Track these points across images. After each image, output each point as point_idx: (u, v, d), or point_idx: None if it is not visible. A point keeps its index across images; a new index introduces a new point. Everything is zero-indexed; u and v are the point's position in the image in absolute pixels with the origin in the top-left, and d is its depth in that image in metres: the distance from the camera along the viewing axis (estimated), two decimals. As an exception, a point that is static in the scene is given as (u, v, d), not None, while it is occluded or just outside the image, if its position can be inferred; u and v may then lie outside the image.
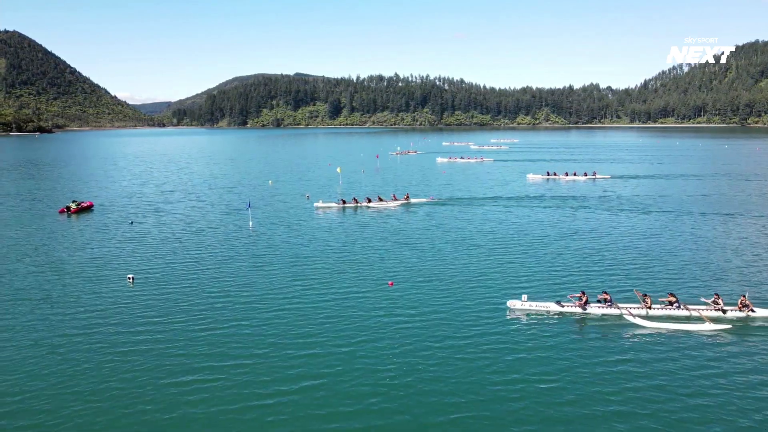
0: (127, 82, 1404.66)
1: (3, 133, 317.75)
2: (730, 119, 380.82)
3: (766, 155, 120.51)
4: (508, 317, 23.75)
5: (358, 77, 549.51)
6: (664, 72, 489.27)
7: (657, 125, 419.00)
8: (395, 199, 53.40)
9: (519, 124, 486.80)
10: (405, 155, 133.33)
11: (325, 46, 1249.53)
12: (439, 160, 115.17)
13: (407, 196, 54.84)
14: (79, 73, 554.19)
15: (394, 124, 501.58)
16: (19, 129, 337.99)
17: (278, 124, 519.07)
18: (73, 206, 50.90)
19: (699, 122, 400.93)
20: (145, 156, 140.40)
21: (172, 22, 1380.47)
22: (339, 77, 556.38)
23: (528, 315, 24.00)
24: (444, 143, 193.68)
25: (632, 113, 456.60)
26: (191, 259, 33.72)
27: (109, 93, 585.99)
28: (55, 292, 27.61)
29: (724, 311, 23.85)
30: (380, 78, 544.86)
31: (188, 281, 29.15)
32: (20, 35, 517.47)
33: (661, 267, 31.60)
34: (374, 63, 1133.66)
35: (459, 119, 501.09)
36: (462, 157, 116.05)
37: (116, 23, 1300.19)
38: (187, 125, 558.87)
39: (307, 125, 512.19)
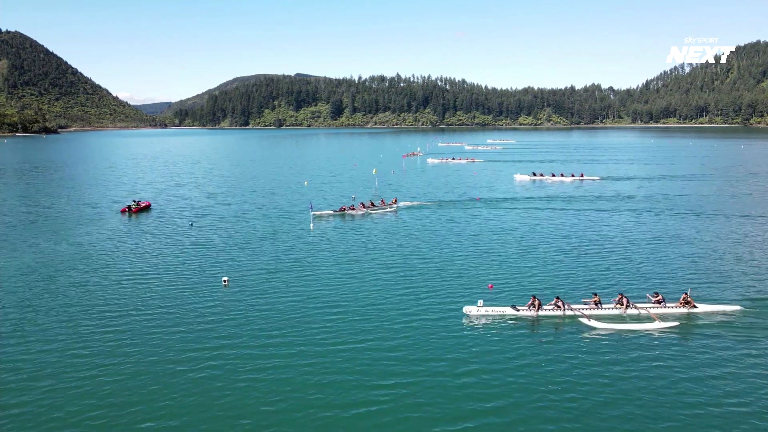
0: (127, 82, 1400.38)
1: (9, 134, 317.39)
2: (733, 119, 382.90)
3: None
4: (465, 323, 23.73)
5: (359, 77, 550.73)
6: (665, 72, 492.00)
7: (659, 125, 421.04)
8: (384, 204, 53.31)
9: (521, 124, 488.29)
10: (413, 156, 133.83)
11: (326, 46, 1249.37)
12: (430, 160, 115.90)
13: (395, 200, 54.95)
14: (80, 73, 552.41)
15: (396, 124, 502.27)
16: (25, 129, 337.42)
17: (280, 124, 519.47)
18: (133, 206, 51.93)
19: (701, 122, 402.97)
20: (165, 157, 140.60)
21: (172, 22, 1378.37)
22: (340, 77, 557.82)
23: (484, 320, 24.01)
24: (440, 144, 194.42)
25: (634, 113, 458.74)
26: (271, 262, 34.03)
27: (110, 93, 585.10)
28: (154, 294, 28.15)
29: (668, 308, 24.72)
30: (382, 78, 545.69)
31: (278, 284, 29.48)
32: (22, 36, 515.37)
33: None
34: (375, 63, 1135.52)
35: (461, 120, 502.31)
36: (453, 158, 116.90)
37: (116, 23, 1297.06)
38: (189, 125, 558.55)
39: (309, 126, 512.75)
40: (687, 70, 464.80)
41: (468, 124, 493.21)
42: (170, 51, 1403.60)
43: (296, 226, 45.20)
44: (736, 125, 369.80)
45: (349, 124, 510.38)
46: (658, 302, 25.00)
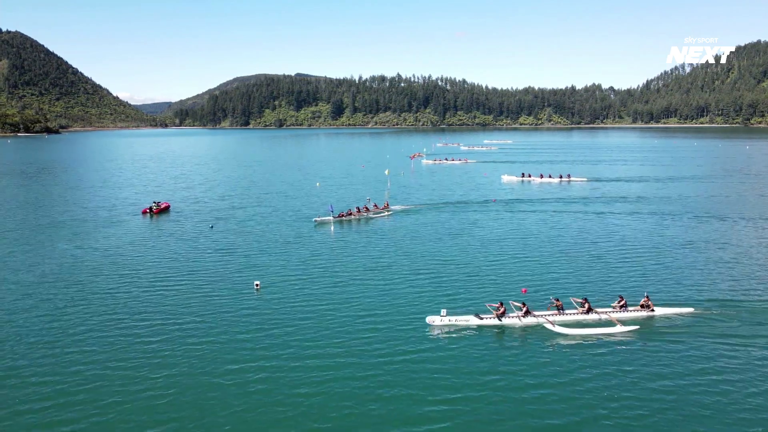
0: (127, 82, 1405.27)
1: (11, 134, 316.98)
2: (734, 119, 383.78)
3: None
4: (428, 334, 23.23)
5: (360, 77, 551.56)
6: (666, 72, 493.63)
7: (660, 125, 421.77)
8: (376, 208, 52.42)
9: (521, 124, 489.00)
10: (420, 157, 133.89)
11: (326, 46, 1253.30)
12: (425, 162, 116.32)
13: (387, 204, 54.01)
14: (81, 73, 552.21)
15: (397, 124, 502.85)
16: (27, 129, 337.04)
17: (281, 124, 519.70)
18: (154, 207, 52.56)
19: (702, 122, 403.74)
20: (171, 158, 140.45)
21: (172, 22, 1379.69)
22: (341, 77, 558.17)
23: (448, 330, 23.54)
24: (438, 144, 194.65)
25: (635, 113, 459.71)
26: (299, 267, 34.14)
27: (111, 93, 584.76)
28: (187, 299, 28.20)
29: (629, 312, 25.15)
30: (382, 78, 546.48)
31: (309, 289, 29.60)
32: (22, 35, 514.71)
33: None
34: (376, 63, 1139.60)
35: (461, 120, 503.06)
36: (447, 159, 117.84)
37: (116, 23, 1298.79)
38: (190, 125, 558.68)
39: (310, 126, 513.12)
40: (687, 70, 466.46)
41: (469, 124, 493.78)
42: (170, 51, 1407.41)
43: (319, 230, 45.26)
44: (737, 125, 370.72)
45: (349, 124, 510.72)
46: (621, 306, 25.35)
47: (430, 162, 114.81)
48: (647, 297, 25.88)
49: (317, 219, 47.95)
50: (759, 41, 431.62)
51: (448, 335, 23.15)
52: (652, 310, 25.31)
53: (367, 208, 51.94)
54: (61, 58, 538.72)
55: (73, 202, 61.91)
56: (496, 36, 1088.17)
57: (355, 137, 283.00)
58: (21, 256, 36.67)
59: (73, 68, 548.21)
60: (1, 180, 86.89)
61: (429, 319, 24.13)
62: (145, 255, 37.04)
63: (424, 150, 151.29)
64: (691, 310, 25.61)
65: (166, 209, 54.05)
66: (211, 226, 46.54)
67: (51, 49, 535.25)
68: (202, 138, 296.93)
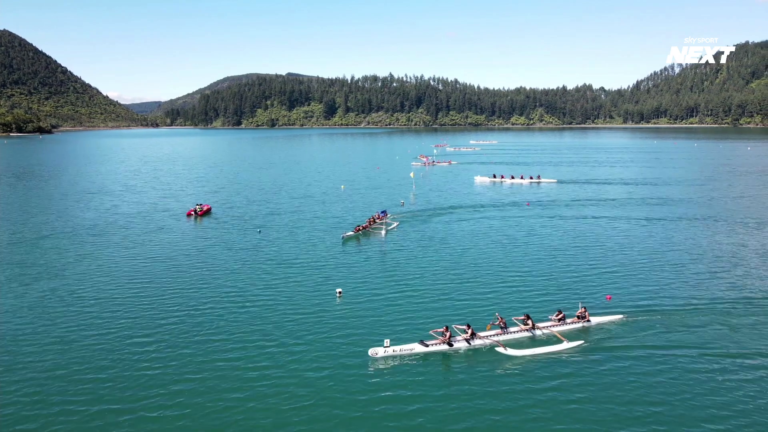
0: (116, 82, 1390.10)
1: (3, 134, 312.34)
2: (723, 120, 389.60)
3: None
4: (371, 368, 21.68)
5: (352, 77, 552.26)
6: (656, 73, 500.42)
7: (650, 125, 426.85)
8: (378, 218, 49.82)
9: (513, 124, 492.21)
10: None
11: (318, 45, 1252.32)
12: (414, 164, 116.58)
13: (386, 213, 51.48)
14: (70, 72, 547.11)
15: (389, 124, 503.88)
16: (19, 129, 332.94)
17: (273, 124, 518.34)
18: (198, 209, 53.27)
19: (692, 123, 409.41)
20: (182, 160, 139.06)
21: (162, 21, 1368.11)
22: (333, 77, 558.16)
23: (392, 361, 22.16)
24: (433, 146, 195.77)
25: (625, 113, 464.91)
26: (369, 273, 34.41)
27: (101, 92, 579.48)
28: (274, 308, 28.27)
29: (567, 324, 25.15)
30: (375, 78, 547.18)
31: (388, 297, 29.66)
32: (11, 34, 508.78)
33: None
34: (368, 63, 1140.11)
35: (454, 120, 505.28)
36: (434, 162, 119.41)
37: (104, 22, 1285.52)
38: (181, 125, 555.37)
39: (302, 125, 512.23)
40: (677, 70, 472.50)
41: (461, 124, 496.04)
42: (159, 50, 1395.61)
43: (370, 236, 44.98)
44: (726, 125, 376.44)
45: (342, 124, 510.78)
46: (560, 320, 25.19)
47: (418, 165, 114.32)
48: (584, 308, 25.82)
49: (345, 234, 44.90)
50: (747, 42, 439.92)
51: (392, 367, 21.76)
52: (588, 321, 25.40)
53: (373, 219, 48.79)
54: (50, 57, 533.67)
55: (107, 206, 61.46)
56: (488, 36, 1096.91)
57: (351, 137, 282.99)
58: (81, 265, 36.23)
59: (62, 67, 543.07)
60: (17, 183, 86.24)
61: (371, 351, 22.57)
62: (209, 260, 37.18)
63: (435, 152, 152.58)
64: (622, 317, 26.00)
65: (208, 211, 54.57)
66: (259, 231, 46.78)
67: (39, 48, 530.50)
68: (198, 138, 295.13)
